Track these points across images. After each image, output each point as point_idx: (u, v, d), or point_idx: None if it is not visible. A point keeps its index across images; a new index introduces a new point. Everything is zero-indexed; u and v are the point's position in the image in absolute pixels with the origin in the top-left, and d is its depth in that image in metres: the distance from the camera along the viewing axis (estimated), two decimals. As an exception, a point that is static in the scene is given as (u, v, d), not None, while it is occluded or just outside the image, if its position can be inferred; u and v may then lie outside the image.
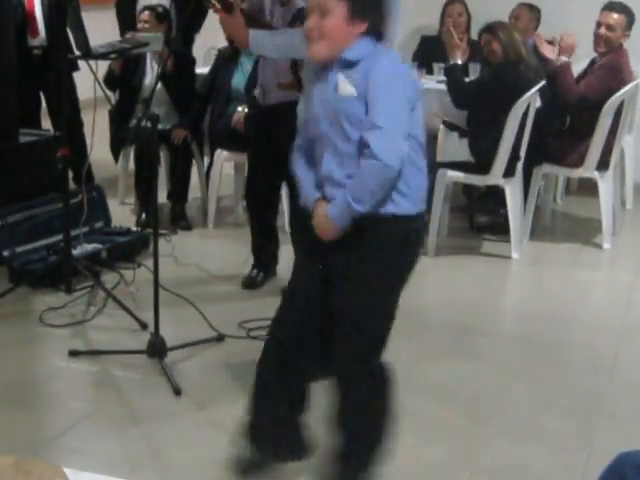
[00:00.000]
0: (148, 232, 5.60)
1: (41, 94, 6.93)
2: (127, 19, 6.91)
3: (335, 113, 2.88)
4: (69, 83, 6.29)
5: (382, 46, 2.95)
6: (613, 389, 4.17)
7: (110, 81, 6.29)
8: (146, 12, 6.36)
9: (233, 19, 3.91)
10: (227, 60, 6.33)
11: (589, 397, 4.07)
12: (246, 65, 6.22)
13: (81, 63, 6.38)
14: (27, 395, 4.02)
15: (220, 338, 4.51)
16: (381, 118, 2.80)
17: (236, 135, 6.00)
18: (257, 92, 5.03)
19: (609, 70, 6.00)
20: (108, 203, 6.02)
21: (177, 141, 6.27)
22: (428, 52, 7.28)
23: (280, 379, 3.14)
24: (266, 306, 4.89)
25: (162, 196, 6.17)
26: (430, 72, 6.78)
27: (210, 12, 4.75)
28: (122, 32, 6.80)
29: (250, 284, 5.23)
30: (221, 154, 6.29)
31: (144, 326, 4.56)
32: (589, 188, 6.52)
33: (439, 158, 5.99)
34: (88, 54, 4.79)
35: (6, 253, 5.30)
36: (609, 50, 6.05)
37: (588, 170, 6.06)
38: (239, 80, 6.26)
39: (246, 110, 5.97)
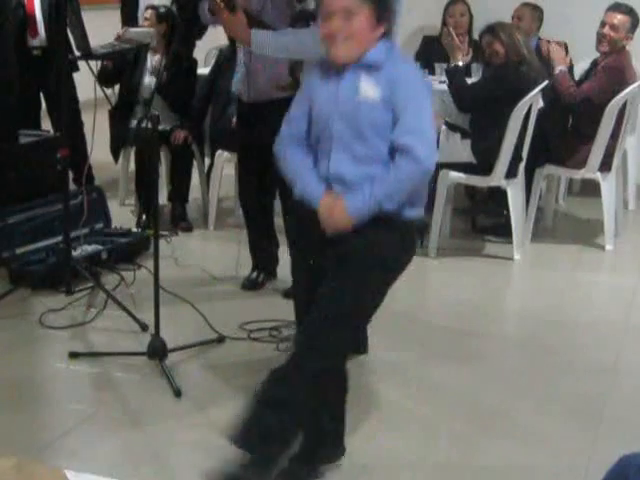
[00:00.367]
0: (148, 233, 5.59)
1: (41, 94, 6.92)
2: (130, 13, 6.92)
3: (354, 115, 2.88)
4: (69, 83, 6.27)
5: (397, 49, 2.97)
6: (615, 391, 4.15)
7: (104, 77, 6.26)
8: (149, 11, 6.39)
9: (235, 18, 3.91)
10: (228, 60, 6.31)
11: (591, 399, 4.05)
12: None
13: (81, 63, 6.39)
14: (27, 397, 4.00)
15: (221, 339, 4.49)
16: (421, 124, 2.87)
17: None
18: (238, 87, 4.96)
19: (612, 71, 5.99)
20: (108, 204, 6.00)
21: (177, 142, 6.26)
22: (430, 52, 7.27)
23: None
24: (267, 307, 4.90)
25: (162, 197, 6.16)
26: (432, 72, 6.76)
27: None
28: (124, 25, 6.84)
29: (250, 286, 5.22)
30: (222, 155, 6.27)
31: (144, 327, 4.54)
32: (591, 189, 6.51)
33: (441, 159, 5.96)
34: (88, 54, 4.78)
35: (6, 254, 5.29)
36: (611, 50, 6.04)
37: (590, 171, 6.05)
38: (240, 80, 6.24)
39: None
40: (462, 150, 5.86)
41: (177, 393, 3.95)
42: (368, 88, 2.87)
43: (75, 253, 5.18)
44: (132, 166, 6.56)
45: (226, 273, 5.41)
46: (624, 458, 2.33)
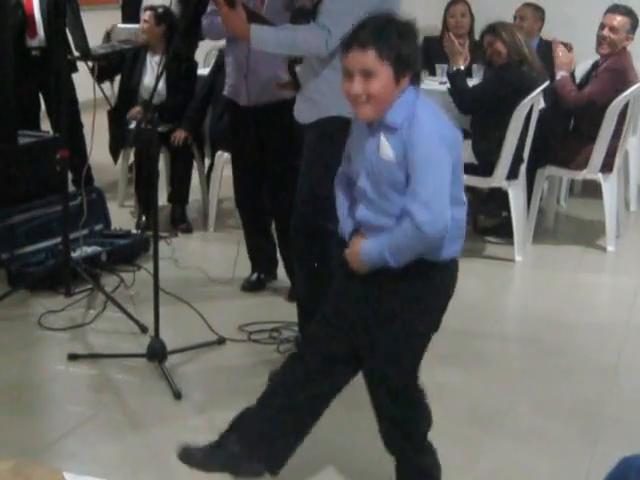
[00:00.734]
0: (148, 234, 5.58)
1: (40, 95, 6.90)
2: (131, 12, 6.93)
3: (375, 173, 2.88)
4: (68, 84, 6.25)
5: (422, 96, 2.89)
6: (617, 392, 4.14)
7: (99, 73, 6.23)
8: (147, 12, 6.38)
9: (235, 14, 3.89)
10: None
11: (593, 400, 4.04)
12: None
13: (80, 63, 6.38)
14: (26, 399, 3.99)
15: (221, 341, 4.47)
16: (424, 190, 2.76)
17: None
18: (230, 91, 4.93)
19: (614, 73, 5.99)
20: (108, 205, 5.98)
21: (177, 143, 6.24)
22: (431, 53, 7.25)
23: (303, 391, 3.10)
24: (267, 309, 4.89)
25: (162, 198, 6.14)
26: (433, 73, 6.75)
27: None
28: (124, 21, 6.84)
29: (250, 287, 5.20)
30: (222, 156, 6.25)
31: (144, 329, 4.53)
32: (593, 190, 6.50)
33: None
34: (87, 55, 4.77)
35: (5, 256, 5.27)
36: (612, 52, 6.04)
37: (592, 172, 6.04)
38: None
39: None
40: (463, 151, 5.83)
41: (177, 395, 3.94)
42: (385, 148, 2.85)
43: (74, 254, 5.17)
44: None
45: (226, 274, 5.39)
46: (625, 459, 2.34)
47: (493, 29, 5.79)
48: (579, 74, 6.42)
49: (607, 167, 6.04)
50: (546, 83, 5.76)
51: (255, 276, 5.24)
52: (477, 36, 7.26)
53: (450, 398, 4.00)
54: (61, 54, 5.01)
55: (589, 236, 6.34)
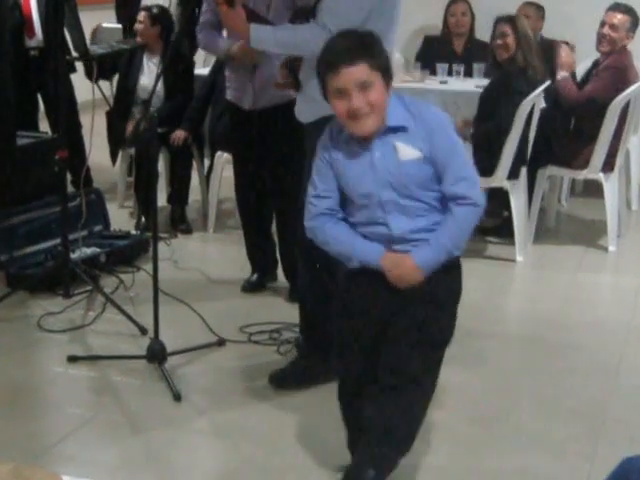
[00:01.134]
0: (147, 235, 5.56)
1: (39, 95, 6.88)
2: (129, 12, 6.92)
3: (399, 179, 2.94)
4: (67, 84, 6.24)
5: (396, 93, 2.99)
6: (618, 393, 4.12)
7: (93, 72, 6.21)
8: (142, 13, 6.36)
9: (234, 13, 3.88)
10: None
11: (594, 401, 4.03)
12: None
13: (78, 64, 6.37)
14: (25, 401, 3.98)
15: (221, 343, 4.46)
16: (465, 170, 2.98)
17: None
18: (234, 95, 4.91)
19: (615, 71, 5.98)
20: (107, 206, 5.97)
21: (177, 143, 6.22)
22: (431, 52, 7.25)
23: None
24: (267, 310, 4.87)
25: (162, 199, 6.12)
26: (433, 73, 6.73)
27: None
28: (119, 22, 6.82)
29: (250, 288, 5.18)
30: (222, 156, 6.23)
31: (143, 331, 4.51)
32: (594, 190, 6.48)
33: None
34: (86, 55, 4.75)
35: (3, 257, 5.25)
36: (612, 50, 6.03)
37: (593, 171, 6.02)
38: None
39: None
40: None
41: (177, 397, 3.92)
42: (405, 149, 2.92)
43: (74, 256, 5.15)
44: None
45: (226, 275, 5.38)
46: (627, 460, 2.33)
47: (512, 21, 5.73)
48: (579, 73, 6.41)
49: (608, 167, 6.02)
50: (547, 83, 5.74)
51: (255, 276, 5.22)
52: (478, 35, 7.28)
53: (450, 398, 3.98)
54: (59, 54, 4.99)
55: (590, 236, 6.32)
